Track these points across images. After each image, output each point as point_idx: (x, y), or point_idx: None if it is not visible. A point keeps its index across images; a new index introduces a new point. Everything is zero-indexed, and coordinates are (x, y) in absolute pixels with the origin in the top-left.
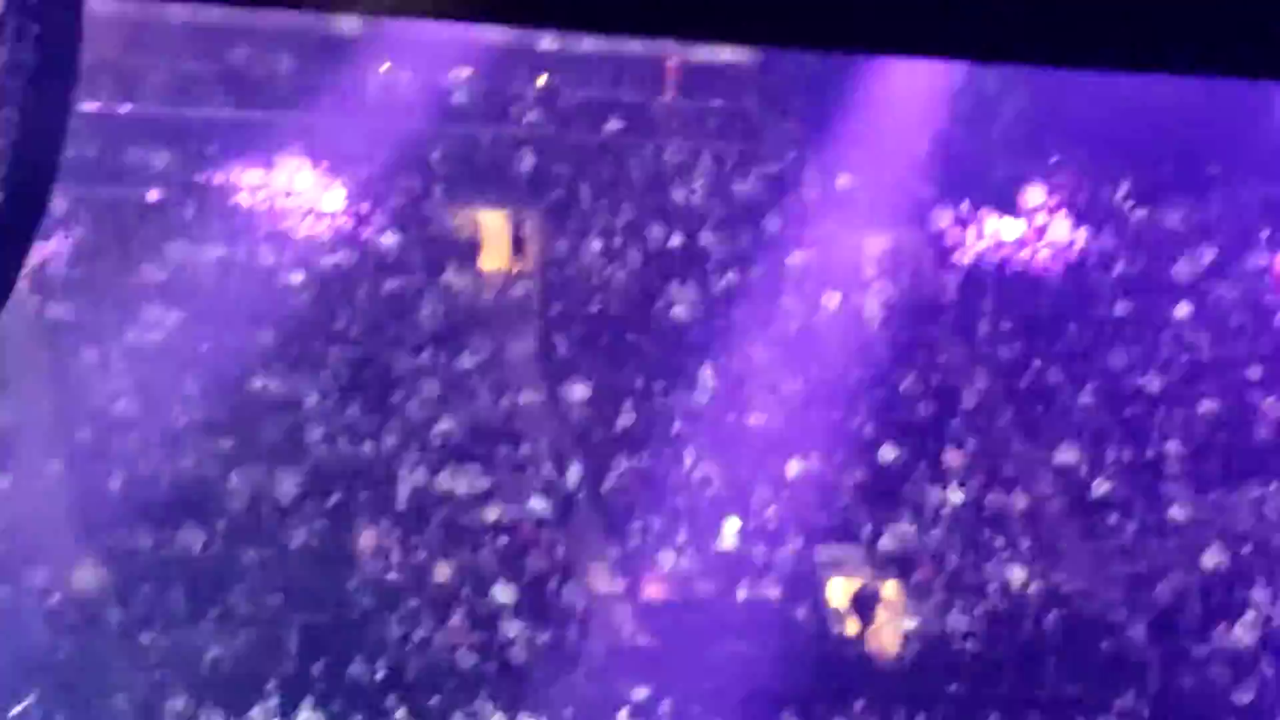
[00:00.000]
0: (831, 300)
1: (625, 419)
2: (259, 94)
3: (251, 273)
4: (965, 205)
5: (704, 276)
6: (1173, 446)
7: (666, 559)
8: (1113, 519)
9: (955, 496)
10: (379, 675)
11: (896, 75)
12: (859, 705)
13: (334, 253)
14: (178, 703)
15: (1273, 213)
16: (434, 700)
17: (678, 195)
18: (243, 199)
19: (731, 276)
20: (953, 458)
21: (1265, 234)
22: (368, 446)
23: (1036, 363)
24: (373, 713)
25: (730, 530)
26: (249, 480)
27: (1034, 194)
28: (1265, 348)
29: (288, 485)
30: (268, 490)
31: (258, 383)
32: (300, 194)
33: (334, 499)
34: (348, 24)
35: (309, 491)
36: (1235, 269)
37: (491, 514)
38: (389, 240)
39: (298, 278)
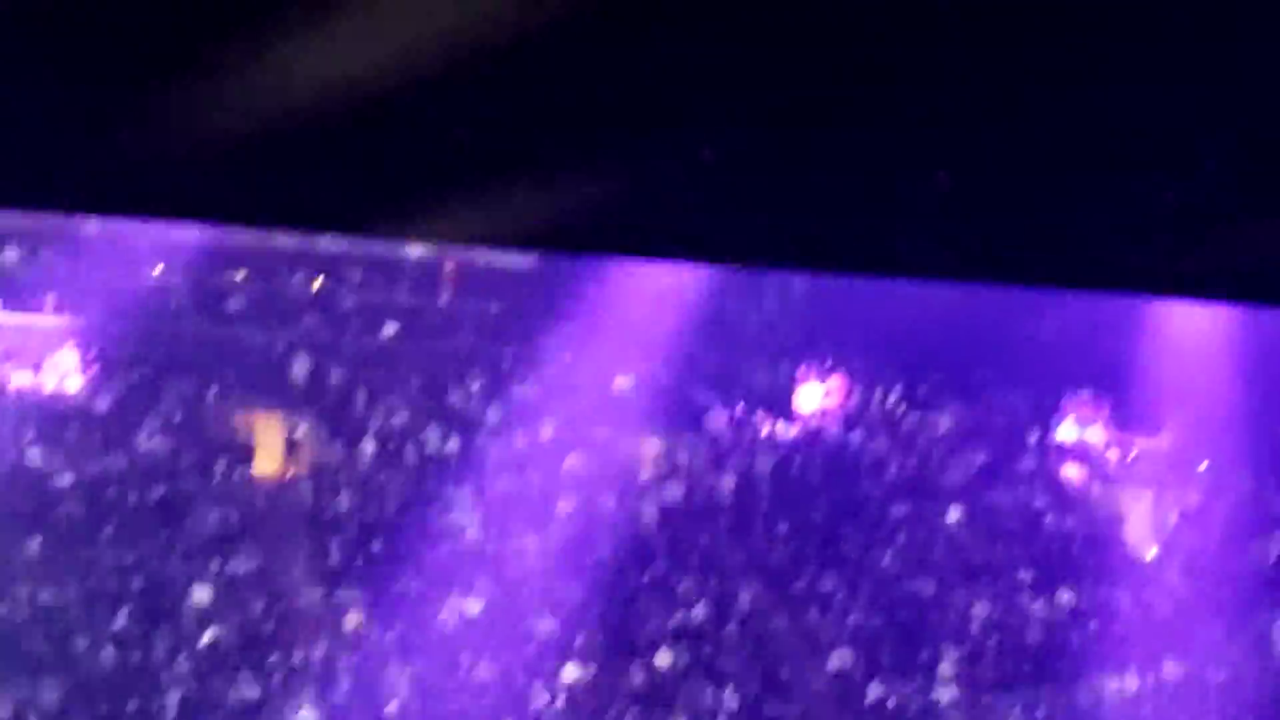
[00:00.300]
0: (608, 503)
1: (401, 625)
2: (29, 296)
3: (19, 477)
4: (740, 408)
5: (480, 481)
6: (946, 650)
7: None
8: None
9: (731, 701)
10: None
11: (673, 279)
12: None
13: (104, 457)
14: None
15: (1042, 417)
16: None
17: (454, 398)
18: (10, 402)
19: (508, 480)
20: (728, 662)
21: (1034, 438)
22: (136, 655)
23: (811, 566)
24: None
25: None
26: (11, 691)
27: (808, 397)
28: (1036, 551)
29: (52, 695)
30: (31, 701)
31: (23, 590)
32: (70, 397)
33: (100, 709)
34: (118, 226)
35: (74, 701)
36: (1006, 473)
37: None
38: (160, 444)
39: (66, 482)
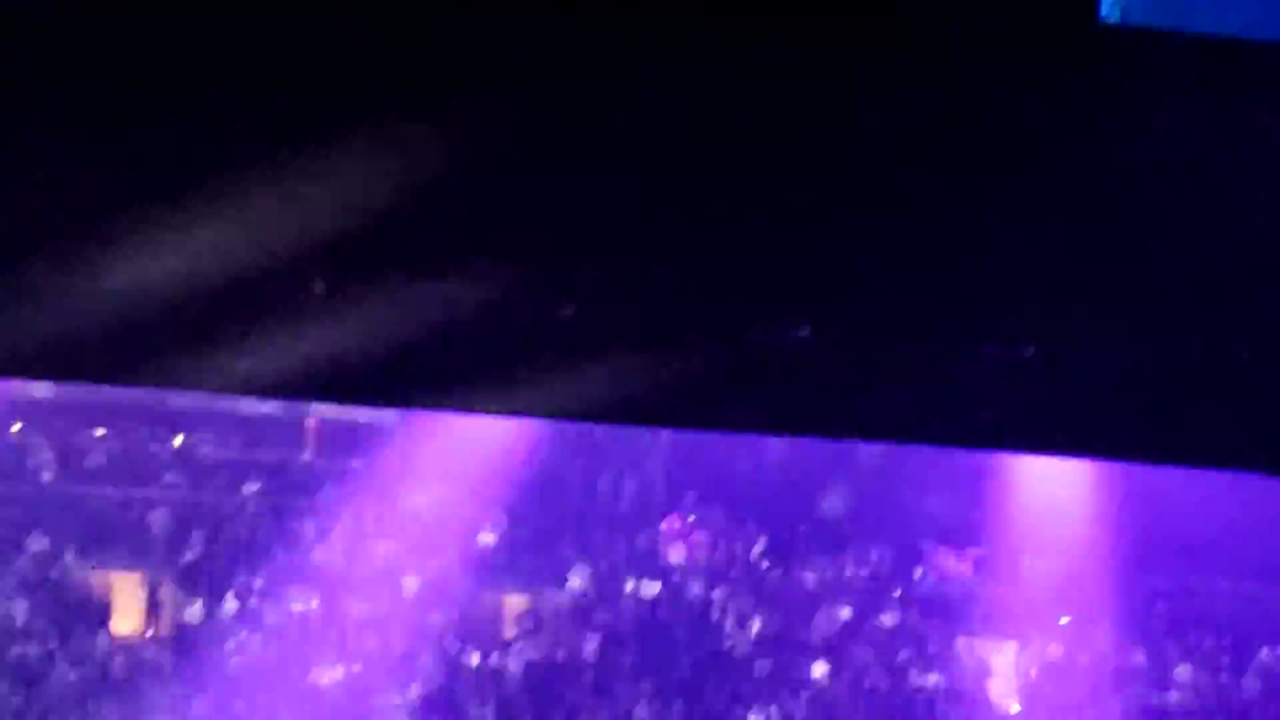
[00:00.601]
0: (472, 660)
1: None
2: None
3: None
4: (604, 564)
5: (343, 639)
6: None
7: None
8: None
9: None
10: None
11: (536, 434)
12: None
13: None
14: None
15: (905, 570)
16: None
17: (317, 556)
18: None
19: (371, 638)
20: None
21: (898, 592)
22: None
23: None
24: None
25: None
26: None
27: (672, 552)
28: (900, 705)
29: None
30: None
31: None
32: None
33: None
34: None
35: None
36: (870, 627)
37: None
38: (17, 605)
39: None
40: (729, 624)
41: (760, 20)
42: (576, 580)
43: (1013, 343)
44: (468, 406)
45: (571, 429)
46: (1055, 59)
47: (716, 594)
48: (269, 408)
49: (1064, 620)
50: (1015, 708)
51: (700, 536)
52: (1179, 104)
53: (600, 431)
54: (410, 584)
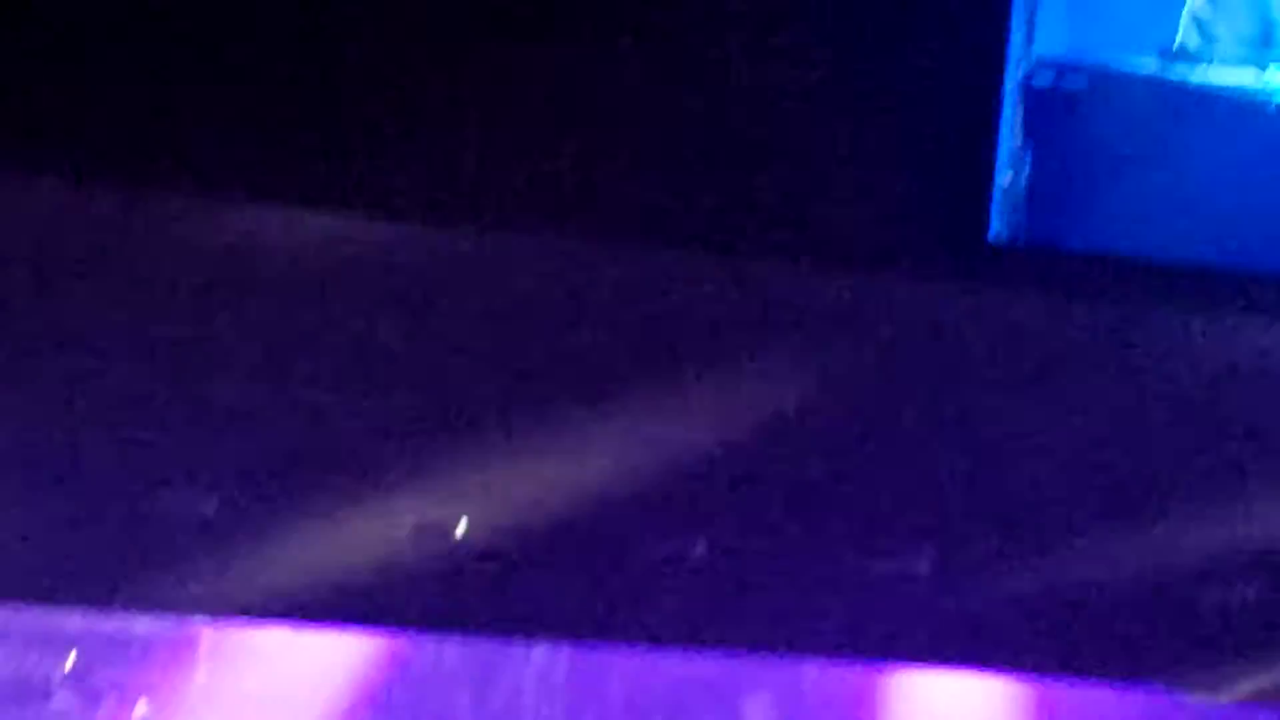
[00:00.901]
0: None
1: None
2: None
3: None
4: None
5: None
6: None
7: None
8: None
9: None
10: None
11: (428, 652)
12: None
13: None
14: None
15: None
16: None
17: None
18: None
19: None
20: None
21: None
22: None
23: None
24: None
25: None
26: None
27: None
28: None
29: None
30: None
31: None
32: None
33: None
34: None
35: None
36: None
37: None
38: None
39: None
40: None
41: (613, 232)
42: None
43: (906, 556)
44: (352, 621)
45: (448, 642)
46: (943, 279)
47: None
48: (162, 626)
49: None
50: None
51: None
52: (1070, 323)
53: (496, 646)
54: None
